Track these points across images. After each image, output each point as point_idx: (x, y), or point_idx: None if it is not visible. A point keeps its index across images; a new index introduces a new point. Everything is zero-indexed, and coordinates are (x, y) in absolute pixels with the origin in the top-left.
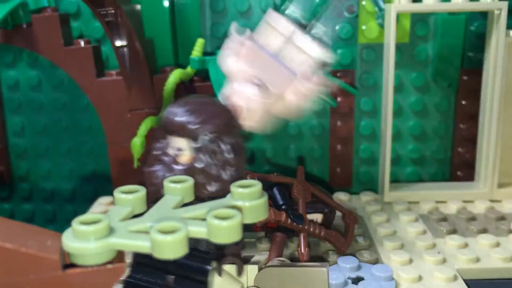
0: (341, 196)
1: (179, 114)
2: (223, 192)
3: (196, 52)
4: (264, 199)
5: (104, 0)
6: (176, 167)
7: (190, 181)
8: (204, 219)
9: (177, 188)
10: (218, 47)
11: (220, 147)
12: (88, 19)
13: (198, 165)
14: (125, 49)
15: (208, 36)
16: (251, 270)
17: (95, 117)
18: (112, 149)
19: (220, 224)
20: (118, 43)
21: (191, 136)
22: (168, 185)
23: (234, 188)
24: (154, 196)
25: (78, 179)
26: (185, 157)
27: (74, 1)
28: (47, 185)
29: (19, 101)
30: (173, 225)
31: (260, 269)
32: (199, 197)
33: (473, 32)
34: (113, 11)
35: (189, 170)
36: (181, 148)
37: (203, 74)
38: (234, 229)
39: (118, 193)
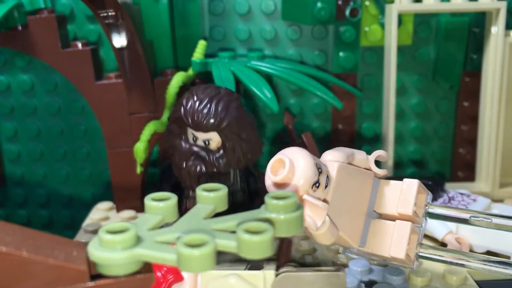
0: None
1: (206, 114)
2: (255, 156)
3: (198, 54)
4: (300, 212)
5: (105, 1)
6: (206, 153)
7: (223, 190)
8: (234, 232)
9: (209, 196)
10: (218, 49)
11: (239, 132)
12: (82, 22)
13: (229, 145)
14: (126, 51)
15: (207, 38)
16: (268, 276)
17: (91, 121)
18: (112, 154)
19: (250, 238)
20: (119, 45)
21: (220, 129)
22: (200, 193)
23: (269, 199)
24: (195, 184)
25: (75, 184)
26: (215, 143)
27: (68, 4)
28: (42, 190)
29: (11, 106)
30: (201, 238)
31: (277, 274)
32: (237, 165)
33: (476, 34)
34: (113, 13)
35: (224, 154)
36: (209, 138)
37: (204, 77)
38: (265, 244)
39: (149, 200)
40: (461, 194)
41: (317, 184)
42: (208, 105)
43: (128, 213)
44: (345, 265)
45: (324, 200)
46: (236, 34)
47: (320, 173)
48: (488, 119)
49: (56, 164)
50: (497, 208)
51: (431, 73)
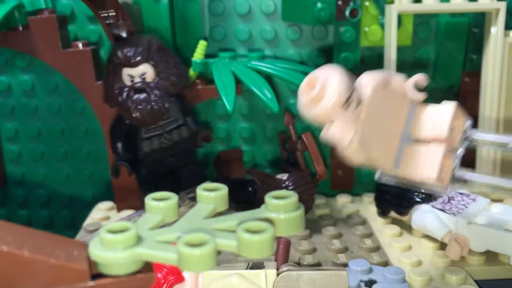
0: (343, 198)
1: (136, 48)
2: (186, 81)
3: (198, 54)
4: (300, 211)
5: (106, 1)
6: (146, 84)
7: (223, 190)
8: (234, 231)
9: (210, 196)
10: (218, 49)
11: (165, 59)
12: (82, 22)
13: (162, 73)
14: None
15: (207, 38)
16: (269, 275)
17: (92, 121)
18: (113, 154)
19: (250, 238)
20: None
21: (150, 57)
22: (201, 193)
23: (269, 199)
24: (148, 117)
25: (76, 184)
26: (150, 76)
27: (68, 4)
28: (43, 190)
29: (12, 106)
30: (201, 237)
31: (278, 273)
32: (174, 95)
33: (476, 35)
34: (114, 13)
35: (160, 81)
36: (145, 72)
37: (205, 77)
38: (265, 244)
39: (149, 200)
40: (461, 194)
41: (348, 104)
42: (136, 42)
43: (128, 213)
44: (345, 265)
45: (355, 120)
46: (236, 34)
47: (351, 93)
48: (487, 119)
49: (57, 164)
50: (496, 208)
51: (431, 73)
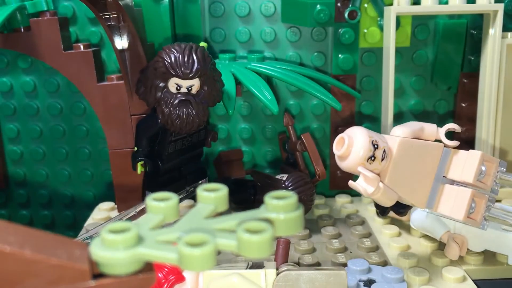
0: (342, 199)
1: (192, 63)
2: (222, 96)
3: None
4: (299, 211)
5: (107, 3)
6: (192, 97)
7: (223, 190)
8: (234, 231)
9: (210, 196)
10: (218, 51)
11: (213, 75)
12: (84, 24)
13: (207, 87)
14: (127, 53)
15: (208, 40)
16: (269, 274)
17: (93, 122)
18: (113, 155)
19: (250, 238)
20: (120, 47)
21: (203, 75)
22: (201, 193)
23: (269, 199)
24: (186, 128)
25: (77, 185)
26: (195, 88)
27: (70, 6)
28: (45, 190)
29: (13, 107)
30: (201, 237)
31: (278, 273)
32: (214, 103)
33: (474, 36)
34: (115, 15)
35: (205, 95)
36: (192, 84)
37: None
38: (264, 244)
39: (150, 200)
40: None
41: (372, 158)
42: (192, 56)
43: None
44: (344, 265)
45: (383, 171)
46: (236, 36)
47: (376, 148)
48: (485, 119)
49: (58, 165)
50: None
51: (429, 74)
